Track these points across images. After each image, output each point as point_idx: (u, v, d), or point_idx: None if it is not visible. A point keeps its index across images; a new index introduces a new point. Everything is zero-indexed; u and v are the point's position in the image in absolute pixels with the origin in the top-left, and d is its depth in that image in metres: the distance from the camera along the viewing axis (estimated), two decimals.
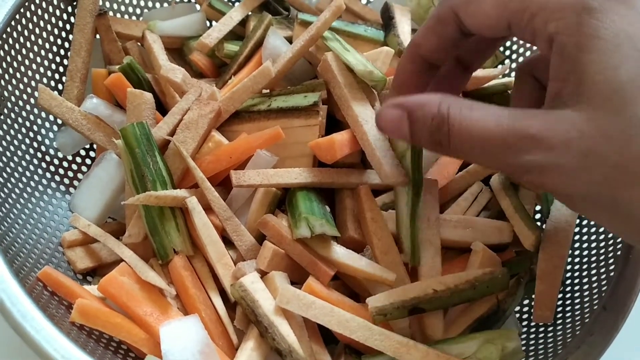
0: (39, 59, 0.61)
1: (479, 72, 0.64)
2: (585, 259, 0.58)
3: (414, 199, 0.52)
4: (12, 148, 0.56)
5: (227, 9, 0.69)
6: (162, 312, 0.50)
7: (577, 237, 0.60)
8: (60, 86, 0.64)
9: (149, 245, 0.54)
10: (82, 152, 0.64)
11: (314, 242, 0.52)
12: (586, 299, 0.54)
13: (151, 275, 0.52)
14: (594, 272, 0.56)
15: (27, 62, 0.59)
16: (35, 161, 0.59)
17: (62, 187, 0.61)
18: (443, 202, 0.59)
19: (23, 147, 0.58)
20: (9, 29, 0.56)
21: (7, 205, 0.53)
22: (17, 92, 0.58)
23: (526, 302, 0.60)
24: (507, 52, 0.70)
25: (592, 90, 0.35)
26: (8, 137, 0.56)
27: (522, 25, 0.39)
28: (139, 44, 0.67)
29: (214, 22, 0.70)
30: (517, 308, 0.60)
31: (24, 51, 0.59)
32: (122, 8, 0.70)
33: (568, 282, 0.58)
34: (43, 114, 0.61)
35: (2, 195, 0.53)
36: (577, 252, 0.59)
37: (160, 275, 0.53)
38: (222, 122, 0.58)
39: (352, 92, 0.56)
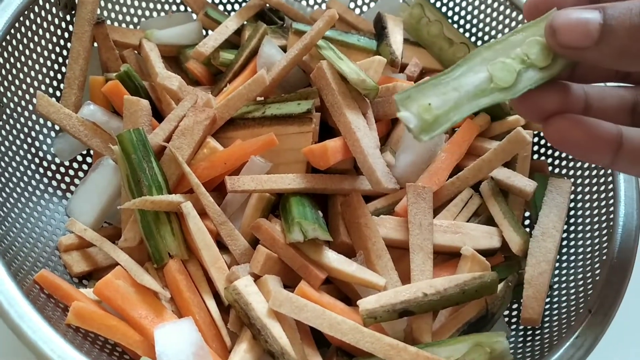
0: (37, 66, 0.62)
1: None
2: (572, 264, 0.59)
3: None
4: (10, 153, 0.57)
5: (222, 18, 0.71)
6: (157, 314, 0.51)
7: (564, 242, 0.61)
8: (58, 93, 0.65)
9: (145, 249, 0.55)
10: (79, 158, 0.65)
11: (307, 246, 0.53)
12: (572, 303, 0.55)
13: (146, 278, 0.53)
14: (580, 276, 0.57)
15: (25, 69, 0.60)
16: (33, 166, 0.60)
17: (59, 192, 0.62)
18: (434, 207, 0.60)
19: (21, 152, 0.59)
20: (8, 37, 0.57)
21: (5, 209, 0.53)
22: (15, 99, 0.59)
23: (515, 305, 0.61)
24: None
25: None
26: (7, 143, 0.57)
27: None
28: (136, 52, 0.68)
29: (209, 31, 0.71)
30: (506, 312, 0.61)
31: (23, 58, 0.60)
32: (120, 17, 0.71)
33: (555, 285, 0.59)
34: (41, 120, 0.62)
35: (0, 199, 0.54)
36: (564, 257, 0.60)
37: (155, 279, 0.54)
38: (217, 129, 0.59)
39: (345, 100, 0.58)
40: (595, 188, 0.60)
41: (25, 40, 0.60)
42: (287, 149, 0.57)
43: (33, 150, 0.60)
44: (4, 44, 0.57)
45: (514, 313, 0.61)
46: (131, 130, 0.55)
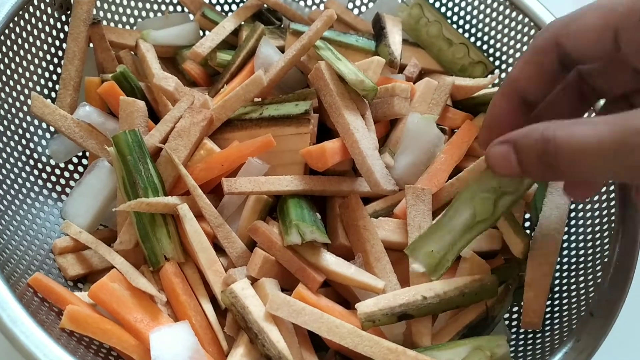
0: (32, 67, 0.61)
1: (467, 82, 0.65)
2: (573, 266, 0.58)
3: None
4: (4, 155, 0.56)
5: (220, 18, 0.70)
6: (153, 318, 0.50)
7: (565, 244, 0.60)
8: (53, 94, 0.64)
9: (140, 252, 0.55)
10: (75, 160, 0.65)
11: (304, 249, 0.52)
12: (574, 305, 0.55)
13: (142, 281, 0.52)
14: (581, 278, 0.56)
15: (20, 69, 0.60)
16: (28, 168, 0.59)
17: (54, 195, 0.61)
18: (434, 209, 0.60)
19: (16, 154, 0.58)
20: (2, 37, 0.57)
21: None
22: (10, 100, 0.58)
23: (515, 308, 0.60)
24: (497, 63, 0.71)
25: None
26: (1, 144, 0.56)
27: (631, 28, 0.38)
28: (132, 52, 0.68)
29: (207, 32, 0.71)
30: (506, 315, 0.61)
31: (17, 59, 0.59)
32: (116, 17, 0.70)
33: (556, 288, 0.58)
34: (36, 122, 0.61)
35: None
36: (565, 259, 0.59)
37: (151, 282, 0.53)
38: (214, 130, 0.59)
39: (343, 101, 0.57)
40: None
41: (20, 41, 0.59)
42: (285, 150, 0.57)
43: (28, 152, 0.60)
44: None
45: (515, 316, 0.60)
46: (127, 131, 0.55)
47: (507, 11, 0.68)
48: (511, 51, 0.69)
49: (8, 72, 0.58)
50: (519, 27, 0.68)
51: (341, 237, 0.56)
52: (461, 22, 0.73)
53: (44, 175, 0.61)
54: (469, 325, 0.53)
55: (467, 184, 0.53)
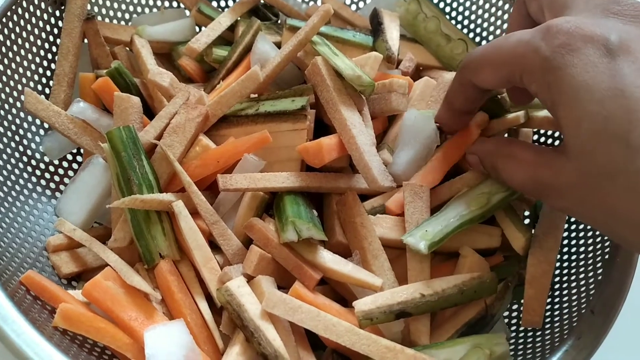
0: (26, 63, 0.61)
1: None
2: (573, 263, 0.58)
3: None
4: None
5: (216, 14, 0.70)
6: (147, 316, 0.50)
7: (565, 241, 0.60)
8: (47, 90, 0.63)
9: (135, 249, 0.54)
10: (69, 157, 0.64)
11: (301, 246, 0.52)
12: (574, 303, 0.54)
13: (136, 279, 0.51)
14: (582, 276, 0.56)
15: (13, 65, 0.59)
16: (21, 165, 0.58)
17: (48, 192, 0.60)
18: (434, 206, 0.59)
19: (9, 150, 0.57)
20: None
21: None
22: (3, 96, 0.58)
23: (515, 306, 0.60)
24: None
25: (569, 142, 0.41)
26: None
27: (517, 83, 0.45)
28: (127, 48, 0.67)
29: (202, 28, 0.70)
30: (506, 312, 0.60)
31: (10, 54, 0.59)
32: (111, 13, 0.69)
33: (557, 286, 0.57)
34: (29, 118, 0.61)
35: None
36: (565, 257, 0.59)
37: (146, 280, 0.53)
38: (209, 127, 0.58)
39: (340, 97, 0.56)
40: None
41: (13, 36, 0.58)
42: (282, 146, 0.56)
43: (21, 148, 0.59)
44: None
45: (514, 314, 0.60)
46: (121, 127, 0.54)
47: (506, 6, 0.68)
48: None
49: (1, 67, 0.58)
50: None
51: (338, 234, 0.56)
52: (459, 17, 0.72)
53: (38, 172, 0.60)
54: (468, 323, 0.53)
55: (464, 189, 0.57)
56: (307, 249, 0.52)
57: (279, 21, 0.72)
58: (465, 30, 0.72)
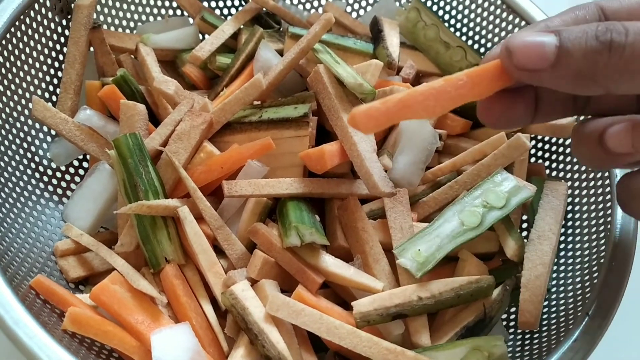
0: (33, 71, 0.62)
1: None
2: (569, 267, 0.59)
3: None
4: (6, 158, 0.57)
5: (219, 22, 0.71)
6: (154, 320, 0.51)
7: (561, 245, 0.61)
8: (54, 98, 0.64)
9: (141, 254, 0.55)
10: (75, 163, 0.65)
11: (304, 250, 0.53)
12: (570, 306, 0.55)
13: (143, 283, 0.52)
14: (578, 279, 0.57)
15: (21, 73, 0.60)
16: (29, 171, 0.60)
17: (55, 197, 0.61)
18: (432, 211, 0.60)
19: (17, 157, 0.58)
20: (4, 41, 0.57)
21: (0, 215, 0.53)
22: (11, 104, 0.59)
23: (512, 309, 0.61)
24: None
25: None
26: (2, 148, 0.57)
27: None
28: (132, 56, 0.68)
29: (206, 35, 0.71)
30: (504, 315, 0.61)
31: (18, 63, 0.60)
32: (116, 21, 0.71)
33: (553, 289, 0.58)
34: (37, 125, 0.62)
35: None
36: (561, 260, 0.60)
37: (152, 284, 0.54)
38: (213, 133, 0.59)
39: (342, 104, 0.58)
40: (592, 191, 0.60)
41: (21, 45, 0.60)
42: (284, 153, 0.57)
43: (29, 155, 0.60)
44: None
45: (512, 317, 0.61)
46: (127, 134, 0.55)
47: (504, 14, 0.69)
48: None
49: (9, 76, 0.59)
50: (516, 30, 0.68)
51: (340, 238, 0.57)
52: (458, 25, 0.73)
53: (45, 179, 0.61)
54: (466, 325, 0.54)
55: (457, 200, 0.57)
56: (309, 253, 0.53)
57: (281, 29, 0.73)
58: (464, 38, 0.73)
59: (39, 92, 0.63)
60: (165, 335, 0.49)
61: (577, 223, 0.61)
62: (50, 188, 0.61)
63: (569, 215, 0.62)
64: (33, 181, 0.60)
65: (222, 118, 0.59)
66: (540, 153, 0.68)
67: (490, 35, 0.71)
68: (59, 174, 0.63)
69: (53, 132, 0.63)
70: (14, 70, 0.59)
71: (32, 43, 0.61)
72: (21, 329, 0.44)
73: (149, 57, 0.66)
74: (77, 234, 0.56)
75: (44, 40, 0.63)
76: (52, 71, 0.64)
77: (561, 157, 0.66)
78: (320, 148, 0.56)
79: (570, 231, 0.61)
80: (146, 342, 0.49)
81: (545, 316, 0.57)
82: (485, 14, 0.71)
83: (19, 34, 0.59)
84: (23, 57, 0.60)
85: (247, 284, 0.51)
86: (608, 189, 0.58)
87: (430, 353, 0.50)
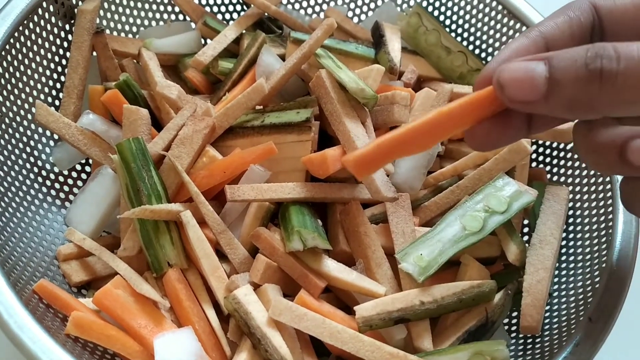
0: (36, 76, 0.62)
1: (466, 89, 0.66)
2: (571, 271, 0.59)
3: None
4: (9, 162, 0.57)
5: (221, 27, 0.71)
6: (156, 324, 0.51)
7: (563, 249, 0.61)
8: (57, 102, 0.65)
9: (144, 258, 0.55)
10: (78, 167, 0.65)
11: (306, 255, 0.53)
12: (572, 310, 0.55)
13: (145, 288, 0.53)
14: (579, 283, 0.57)
15: (25, 78, 0.60)
16: (32, 176, 0.60)
17: (58, 202, 0.61)
18: (434, 216, 0.61)
19: (20, 161, 0.59)
20: (7, 46, 0.57)
21: (4, 219, 0.53)
22: (14, 108, 0.59)
23: (514, 313, 0.61)
24: None
25: None
26: (5, 152, 0.57)
27: None
28: (135, 61, 0.69)
29: (208, 40, 0.71)
30: (506, 320, 0.61)
31: (22, 68, 0.60)
32: (119, 26, 0.71)
33: (555, 293, 0.59)
34: (40, 129, 0.62)
35: None
36: (563, 265, 0.60)
37: (155, 288, 0.54)
38: (216, 138, 0.59)
39: (344, 109, 0.58)
40: (594, 195, 0.60)
41: (24, 50, 0.60)
42: (287, 157, 0.58)
43: (32, 159, 0.60)
44: (3, 53, 0.57)
45: (514, 321, 0.61)
46: (131, 139, 0.55)
47: (505, 19, 0.69)
48: None
49: (13, 80, 0.59)
50: (517, 35, 0.68)
51: (342, 243, 0.57)
52: (459, 30, 0.74)
53: (48, 183, 0.61)
54: (469, 330, 0.54)
55: (459, 204, 0.57)
56: (312, 257, 0.53)
57: (283, 34, 0.74)
58: (465, 43, 0.73)
59: (42, 96, 0.63)
60: (168, 340, 0.49)
61: (579, 227, 0.61)
62: (53, 192, 0.62)
63: (570, 220, 0.62)
64: (36, 185, 0.60)
65: (224, 123, 0.59)
66: (541, 157, 0.68)
67: (491, 40, 0.71)
68: (61, 178, 0.63)
69: (56, 137, 0.63)
70: (17, 74, 0.59)
71: (35, 48, 0.61)
72: (25, 334, 0.44)
73: (152, 61, 0.66)
74: (79, 238, 0.56)
75: (47, 45, 0.63)
76: (55, 76, 0.64)
77: (562, 162, 0.66)
78: (323, 153, 0.56)
79: (571, 235, 0.61)
80: (149, 346, 0.49)
81: (547, 320, 0.57)
82: (486, 19, 0.71)
83: (22, 39, 0.59)
84: (26, 61, 0.60)
85: (249, 289, 0.52)
86: (609, 194, 0.58)
87: (432, 357, 0.50)
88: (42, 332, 0.45)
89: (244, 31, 0.71)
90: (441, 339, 0.54)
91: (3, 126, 0.57)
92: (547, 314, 0.57)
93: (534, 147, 0.69)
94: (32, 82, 0.61)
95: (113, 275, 0.53)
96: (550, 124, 0.42)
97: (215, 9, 0.76)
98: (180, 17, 0.74)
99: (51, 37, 0.63)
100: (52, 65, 0.64)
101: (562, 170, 0.66)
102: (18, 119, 0.59)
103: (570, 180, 0.64)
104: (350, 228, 0.57)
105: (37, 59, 0.62)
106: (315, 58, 0.61)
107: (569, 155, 0.65)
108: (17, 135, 0.59)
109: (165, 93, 0.59)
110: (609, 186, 0.58)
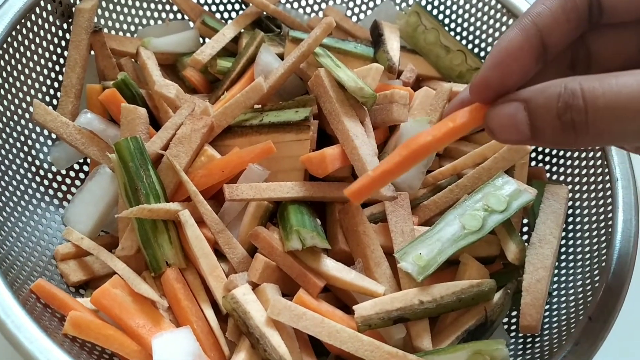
0: (34, 75, 0.62)
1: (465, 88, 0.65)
2: (571, 270, 0.59)
3: None
4: (6, 162, 0.57)
5: (220, 26, 0.71)
6: (155, 324, 0.51)
7: (562, 248, 0.61)
8: (55, 101, 0.64)
9: (142, 258, 0.55)
10: (76, 166, 0.65)
11: (305, 254, 0.53)
12: (572, 310, 0.55)
13: (144, 287, 0.52)
14: (579, 282, 0.57)
15: (22, 77, 0.60)
16: (30, 175, 0.59)
17: (56, 201, 0.61)
18: (433, 215, 0.60)
19: (17, 161, 0.58)
20: (5, 45, 0.57)
21: (1, 218, 0.53)
22: (12, 107, 0.59)
23: (514, 313, 0.61)
24: None
25: None
26: (3, 151, 0.57)
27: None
28: (133, 60, 0.68)
29: (207, 39, 0.71)
30: (505, 319, 0.61)
31: (19, 66, 0.60)
32: (117, 25, 0.71)
33: (554, 293, 0.58)
34: (38, 129, 0.62)
35: None
36: (563, 264, 0.60)
37: (153, 288, 0.54)
38: (214, 137, 0.59)
39: (343, 108, 0.58)
40: (593, 194, 0.60)
41: (22, 49, 0.60)
42: (285, 156, 0.57)
43: (29, 158, 0.60)
44: (0, 52, 0.57)
45: (513, 320, 0.60)
46: (128, 138, 0.55)
47: (504, 18, 0.69)
48: None
49: (10, 79, 0.59)
50: None
51: (341, 242, 0.57)
52: (458, 29, 0.74)
53: (46, 182, 0.61)
54: (468, 329, 0.54)
55: (458, 203, 0.57)
56: (310, 257, 0.53)
57: (282, 33, 0.74)
58: (464, 42, 0.73)
59: (39, 95, 0.63)
60: (166, 340, 0.49)
61: (578, 226, 0.61)
62: (51, 192, 0.61)
63: (570, 219, 0.62)
64: (33, 185, 0.60)
65: (223, 122, 0.59)
66: (540, 156, 0.68)
67: (490, 39, 0.71)
68: (59, 178, 0.63)
69: (54, 136, 0.63)
70: (15, 73, 0.59)
71: (33, 47, 0.61)
72: (22, 334, 0.44)
73: (150, 60, 0.66)
74: (77, 238, 0.56)
75: (45, 43, 0.63)
76: (53, 75, 0.64)
77: (562, 161, 0.66)
78: (322, 152, 0.56)
79: (571, 234, 0.61)
80: (147, 346, 0.49)
81: (546, 320, 0.57)
82: (485, 17, 0.71)
83: (20, 38, 0.59)
84: (24, 60, 0.60)
85: (248, 288, 0.51)
86: (609, 192, 0.58)
87: (431, 357, 0.50)
88: (39, 332, 0.44)
89: (242, 30, 0.71)
90: (440, 339, 0.54)
91: (0, 125, 0.57)
92: (547, 313, 0.57)
93: (533, 145, 0.69)
94: (29, 81, 0.61)
95: (111, 275, 0.53)
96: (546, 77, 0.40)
97: (213, 7, 0.76)
98: (179, 16, 0.74)
99: (49, 36, 0.63)
100: (50, 64, 0.64)
101: (562, 169, 0.65)
102: (16, 118, 0.59)
103: (569, 179, 0.64)
104: (349, 227, 0.56)
105: (35, 57, 0.62)
106: (314, 57, 0.61)
107: (568, 154, 0.65)
108: (15, 134, 0.59)
109: (163, 92, 0.59)
110: (608, 185, 0.58)
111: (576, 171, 0.63)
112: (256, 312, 0.50)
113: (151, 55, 0.67)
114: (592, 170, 0.61)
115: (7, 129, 0.58)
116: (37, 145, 0.62)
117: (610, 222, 0.57)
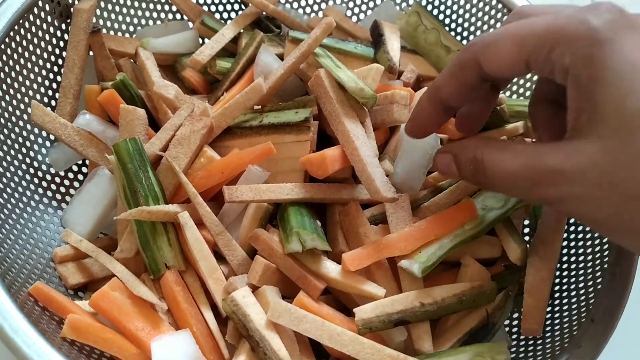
0: (32, 75, 0.61)
1: None
2: (573, 272, 0.58)
3: None
4: (4, 163, 0.56)
5: (219, 26, 0.70)
6: (154, 327, 0.50)
7: (564, 250, 0.60)
8: (53, 102, 0.64)
9: (141, 260, 0.55)
10: (75, 168, 0.65)
11: (305, 256, 0.52)
12: (574, 312, 0.55)
13: (143, 290, 0.52)
14: (581, 284, 0.56)
15: (20, 78, 0.60)
16: (28, 177, 0.59)
17: (54, 203, 0.61)
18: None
19: (16, 162, 0.58)
20: (3, 46, 0.57)
21: None
22: (10, 108, 0.58)
23: (515, 315, 0.60)
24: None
25: (603, 120, 0.37)
26: (1, 153, 0.56)
27: (540, 60, 0.41)
28: (132, 60, 0.68)
29: (206, 40, 0.71)
30: (507, 321, 0.61)
31: (17, 67, 0.59)
32: (116, 25, 0.70)
33: (557, 295, 0.58)
34: (36, 130, 0.61)
35: None
36: (565, 265, 0.60)
37: (152, 290, 0.53)
38: (214, 138, 0.59)
39: (343, 108, 0.57)
40: None
41: (20, 49, 0.59)
42: (285, 157, 0.57)
43: (28, 160, 0.60)
44: None
45: (515, 322, 0.60)
46: (127, 139, 0.55)
47: (505, 18, 0.69)
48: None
49: (8, 80, 0.58)
50: None
51: (341, 244, 0.56)
52: (459, 29, 0.73)
53: (44, 184, 0.61)
54: (469, 332, 0.53)
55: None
56: (311, 259, 0.53)
57: (282, 33, 0.73)
58: (464, 42, 0.73)
59: (38, 96, 0.62)
60: (166, 343, 0.48)
61: (580, 228, 0.60)
62: (49, 193, 0.61)
63: (572, 220, 0.61)
64: (32, 186, 0.59)
65: (222, 123, 0.58)
66: None
67: None
68: (57, 179, 0.63)
69: (52, 137, 0.63)
70: (13, 74, 0.59)
71: (31, 47, 0.61)
72: (20, 337, 0.43)
73: (149, 61, 0.66)
74: (76, 240, 0.56)
75: (43, 44, 0.62)
76: (51, 75, 0.64)
77: None
78: (322, 153, 0.55)
79: (573, 236, 0.61)
80: (146, 349, 0.48)
81: (548, 322, 0.56)
82: (485, 17, 0.70)
83: (18, 38, 0.59)
84: (22, 61, 0.60)
85: (248, 291, 0.51)
86: None
87: None
88: (37, 335, 0.44)
89: (242, 30, 0.71)
90: (441, 341, 0.54)
91: None
92: (549, 315, 0.57)
93: None
94: (28, 82, 0.61)
95: (110, 278, 0.53)
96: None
97: (213, 8, 0.75)
98: (178, 16, 0.74)
99: (47, 37, 0.63)
100: (48, 65, 0.63)
101: None
102: (14, 119, 0.59)
103: None
104: (349, 229, 0.56)
105: (33, 58, 0.61)
106: (314, 57, 0.61)
107: None
108: (13, 135, 0.58)
109: (162, 93, 0.59)
110: None
111: None
112: (256, 314, 0.49)
113: (150, 55, 0.67)
114: None
115: (5, 130, 0.58)
116: (36, 147, 0.61)
117: None
